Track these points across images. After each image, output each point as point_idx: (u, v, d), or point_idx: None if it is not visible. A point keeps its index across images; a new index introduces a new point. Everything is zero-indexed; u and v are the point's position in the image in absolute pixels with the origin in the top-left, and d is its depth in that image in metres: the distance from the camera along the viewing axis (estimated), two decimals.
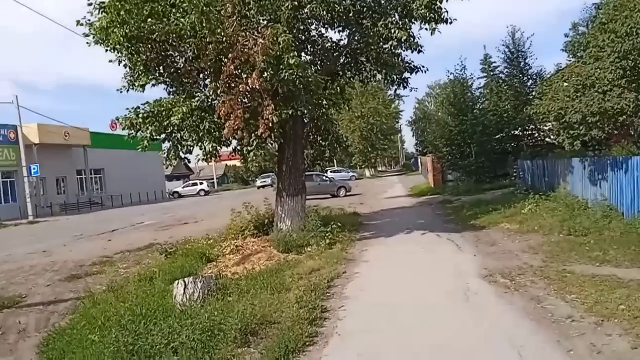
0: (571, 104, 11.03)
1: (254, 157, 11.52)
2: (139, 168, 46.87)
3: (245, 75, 10.41)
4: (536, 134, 25.21)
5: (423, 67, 14.02)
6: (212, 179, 73.13)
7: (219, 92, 10.92)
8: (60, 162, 42.66)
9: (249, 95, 11.07)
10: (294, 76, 10.50)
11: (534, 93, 25.25)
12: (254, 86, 10.37)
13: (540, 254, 8.81)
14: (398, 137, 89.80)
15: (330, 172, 61.88)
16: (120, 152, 42.66)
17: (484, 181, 24.65)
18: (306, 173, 31.98)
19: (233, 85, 10.73)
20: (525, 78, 25.42)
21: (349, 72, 14.38)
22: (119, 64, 11.89)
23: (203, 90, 11.62)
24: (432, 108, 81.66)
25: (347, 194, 31.59)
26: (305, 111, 11.42)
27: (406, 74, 14.17)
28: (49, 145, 39.81)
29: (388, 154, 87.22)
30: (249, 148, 11.64)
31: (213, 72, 11.13)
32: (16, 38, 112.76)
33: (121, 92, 12.28)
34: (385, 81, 14.39)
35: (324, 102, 13.55)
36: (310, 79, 11.11)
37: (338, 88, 14.32)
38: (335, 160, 79.14)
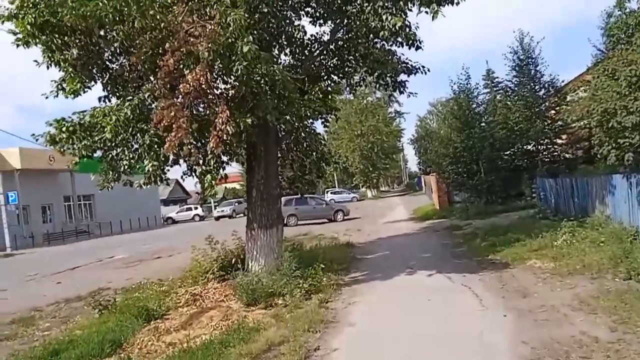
0: (622, 104, 8.41)
1: (210, 183, 8.85)
2: (132, 193, 43.94)
3: (187, 72, 7.86)
4: (552, 149, 22.56)
5: (423, 67, 11.46)
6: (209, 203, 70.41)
7: (156, 95, 8.37)
8: (46, 188, 40.04)
9: (196, 100, 8.53)
10: (250, 71, 7.99)
11: (546, 103, 22.85)
12: (198, 85, 7.82)
13: (601, 315, 6.06)
14: (400, 156, 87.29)
15: (331, 193, 59.44)
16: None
17: (495, 202, 21.93)
18: (301, 196, 29.33)
19: (174, 85, 8.19)
20: (537, 87, 22.88)
21: (335, 75, 11.86)
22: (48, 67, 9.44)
23: (138, 94, 9.06)
24: (434, 126, 79.32)
25: (345, 217, 28.98)
26: (274, 120, 8.81)
27: (402, 76, 11.65)
28: (32, 171, 37.20)
29: (390, 173, 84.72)
30: (204, 168, 9.05)
31: (149, 70, 8.59)
32: None
33: (47, 97, 9.76)
34: (378, 84, 11.83)
35: (303, 110, 10.99)
36: (277, 78, 8.57)
37: (320, 93, 11.79)
38: (337, 182, 76.83)
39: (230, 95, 9.50)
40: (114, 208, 43.87)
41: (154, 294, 10.11)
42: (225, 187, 74.80)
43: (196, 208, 56.56)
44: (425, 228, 19.46)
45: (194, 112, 8.97)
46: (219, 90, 9.03)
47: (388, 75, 11.53)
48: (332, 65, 11.50)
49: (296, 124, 11.67)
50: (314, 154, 12.22)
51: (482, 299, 7.34)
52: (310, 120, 12.65)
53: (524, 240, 11.29)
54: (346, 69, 11.49)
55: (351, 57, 11.02)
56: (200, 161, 9.25)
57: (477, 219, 19.26)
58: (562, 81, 23.15)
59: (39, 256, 26.65)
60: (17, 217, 35.76)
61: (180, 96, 8.31)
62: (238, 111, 8.83)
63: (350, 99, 60.62)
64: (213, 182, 8.87)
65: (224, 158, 10.28)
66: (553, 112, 22.68)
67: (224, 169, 9.30)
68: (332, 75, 11.88)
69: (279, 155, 11.85)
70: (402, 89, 11.94)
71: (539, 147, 22.72)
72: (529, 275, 8.65)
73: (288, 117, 10.79)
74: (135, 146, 9.54)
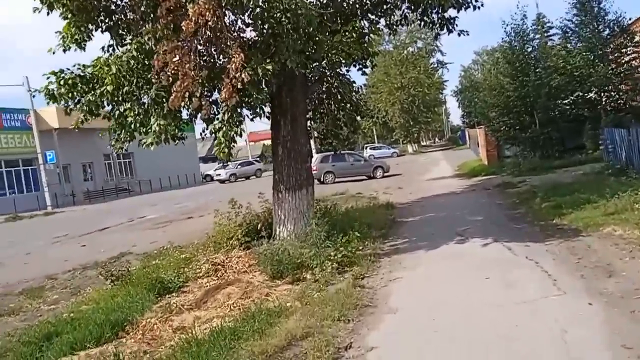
0: None
1: (225, 140, 7.60)
2: (171, 151, 43.61)
3: (190, 5, 6.52)
4: (617, 96, 20.15)
5: (477, 1, 9.65)
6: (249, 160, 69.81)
7: (158, 37, 7.09)
8: (85, 147, 40.12)
9: (205, 42, 7.22)
10: (268, 5, 6.60)
11: (611, 45, 20.26)
12: (204, 22, 6.49)
13: None
14: (442, 109, 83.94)
15: (370, 149, 57.74)
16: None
17: (552, 156, 19.93)
18: (339, 152, 28.21)
19: (179, 25, 6.87)
20: (600, 27, 20.25)
21: (371, 13, 10.22)
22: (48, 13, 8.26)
23: (138, 37, 7.78)
24: (479, 76, 75.27)
25: (385, 174, 27.54)
26: (295, 65, 7.38)
27: (451, 12, 9.89)
28: (71, 130, 37.23)
29: (432, 127, 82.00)
30: (216, 123, 7.84)
31: (150, 8, 7.28)
32: None
33: (54, 53, 8.60)
34: (422, 22, 10.11)
35: (334, 54, 9.48)
36: (300, 13, 7.13)
37: (355, 34, 10.21)
38: (376, 137, 74.73)
39: (245, 36, 8.15)
40: (153, 166, 43.70)
41: (174, 262, 9.17)
42: (264, 144, 73.95)
43: (236, 166, 56.11)
44: (474, 186, 17.81)
45: (204, 58, 7.72)
46: (232, 31, 7.65)
47: (435, 10, 9.83)
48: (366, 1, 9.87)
49: (327, 70, 10.23)
50: (348, 105, 10.77)
51: (556, 279, 5.90)
52: (345, 68, 11.14)
53: (596, 201, 9.61)
54: (385, 4, 9.83)
55: None
56: (214, 115, 8.07)
57: (532, 175, 17.46)
58: (629, 19, 20.45)
59: (76, 215, 26.76)
60: (57, 175, 36.16)
61: (186, 38, 7.04)
62: (256, 55, 7.50)
63: (389, 49, 57.92)
64: (228, 139, 7.65)
65: (245, 112, 9.04)
66: (618, 54, 20.14)
67: (241, 123, 7.99)
68: (369, 14, 10.27)
69: (308, 107, 10.49)
70: (450, 27, 10.20)
71: (602, 94, 20.35)
72: (610, 247, 7.11)
73: (316, 63, 9.38)
74: (143, 100, 8.40)
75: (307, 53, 7.88)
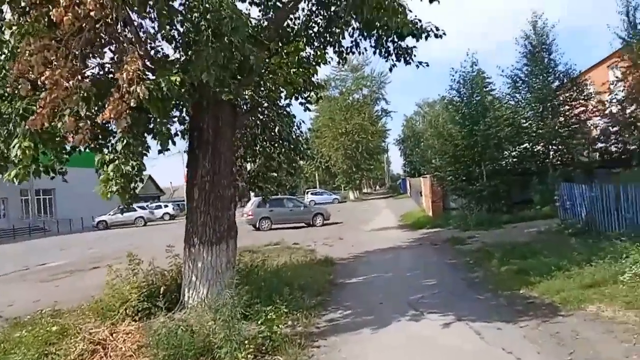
0: None
1: (117, 177, 5.62)
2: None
3: None
4: (565, 150, 19.74)
5: (438, 30, 8.40)
6: (183, 200, 66.38)
7: (23, 31, 5.14)
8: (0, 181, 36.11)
9: (89, 43, 5.36)
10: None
11: (561, 98, 20.05)
12: (85, 12, 4.69)
13: None
14: (385, 157, 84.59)
15: (312, 194, 56.23)
16: (78, 169, 36.37)
17: (499, 210, 18.99)
18: (275, 197, 26.04)
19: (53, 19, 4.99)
20: (550, 78, 20.04)
21: (317, 37, 8.75)
22: None
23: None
24: (421, 127, 76.69)
25: (326, 222, 25.94)
26: (212, 81, 5.60)
27: (408, 41, 8.57)
28: None
29: (374, 174, 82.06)
30: (105, 155, 5.89)
31: None
32: None
33: None
34: (377, 50, 8.70)
35: (271, 79, 7.80)
36: (224, 14, 5.47)
37: (297, 59, 8.64)
38: (318, 182, 73.60)
39: (156, 46, 6.36)
40: (77, 203, 39.85)
41: (43, 336, 6.85)
42: None
43: (166, 206, 52.83)
44: (420, 239, 16.39)
45: (93, 67, 5.83)
46: (133, 33, 5.83)
47: (390, 39, 8.48)
48: (312, 20, 8.40)
49: (262, 100, 8.53)
50: (286, 143, 9.06)
51: None
52: (286, 99, 9.50)
53: (567, 268, 8.25)
54: (334, 27, 8.38)
55: (339, 5, 7.90)
56: (102, 143, 6.12)
57: (480, 230, 16.35)
58: (579, 71, 20.42)
59: None
60: None
61: (64, 35, 5.16)
62: (163, 66, 5.71)
63: (335, 95, 57.73)
64: (119, 175, 5.69)
65: (150, 141, 7.09)
66: (568, 107, 19.92)
67: (142, 155, 6.03)
68: (314, 38, 8.79)
69: (239, 143, 8.69)
70: (408, 58, 8.86)
71: (550, 147, 19.92)
72: (603, 334, 5.60)
73: (249, 88, 7.70)
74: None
75: (233, 70, 6.15)
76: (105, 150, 6.10)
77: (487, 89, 20.41)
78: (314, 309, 7.52)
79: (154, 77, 5.44)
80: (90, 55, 5.58)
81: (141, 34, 5.96)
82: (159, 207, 52.90)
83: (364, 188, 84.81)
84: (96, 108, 5.66)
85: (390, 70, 9.17)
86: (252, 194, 22.48)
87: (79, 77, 5.24)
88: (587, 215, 11.44)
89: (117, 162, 5.75)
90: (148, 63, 5.83)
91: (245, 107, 8.33)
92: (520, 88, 20.64)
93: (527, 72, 20.24)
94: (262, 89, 8.20)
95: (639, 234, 9.19)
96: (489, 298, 7.82)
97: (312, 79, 8.94)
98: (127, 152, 5.74)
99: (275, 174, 8.98)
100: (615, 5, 19.94)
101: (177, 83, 5.28)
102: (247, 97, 8.04)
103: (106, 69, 6.13)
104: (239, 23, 5.59)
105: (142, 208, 44.44)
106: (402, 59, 8.66)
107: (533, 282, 8.07)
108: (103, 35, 5.48)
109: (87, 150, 6.22)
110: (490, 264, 10.31)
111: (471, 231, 16.34)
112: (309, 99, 9.72)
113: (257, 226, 25.26)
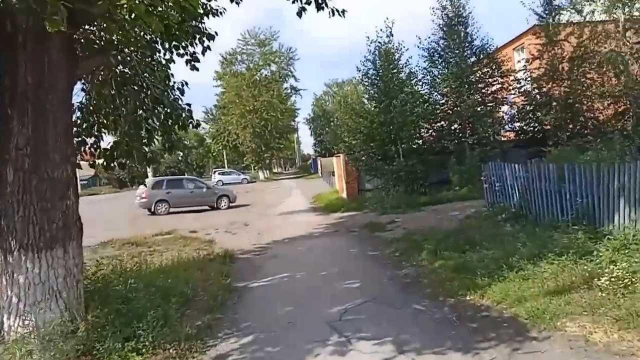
0: None
1: None
2: None
3: None
4: (481, 129, 18.84)
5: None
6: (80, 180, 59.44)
7: None
8: None
9: None
10: None
11: (478, 74, 19.13)
12: None
13: None
14: (295, 137, 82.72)
15: (219, 174, 52.99)
16: None
17: (416, 192, 17.75)
18: (174, 177, 22.90)
19: None
20: (467, 53, 18.99)
21: None
22: None
23: None
24: (330, 107, 75.59)
25: (231, 204, 23.59)
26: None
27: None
28: None
29: (284, 154, 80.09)
30: None
31: None
32: None
33: None
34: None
35: (135, 17, 5.29)
36: None
37: None
38: (226, 162, 70.15)
39: None
40: None
41: None
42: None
43: None
44: (336, 225, 14.60)
45: None
46: None
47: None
48: None
49: (120, 42, 5.99)
50: (160, 107, 6.58)
51: None
52: (160, 48, 7.01)
53: (520, 266, 6.68)
54: None
55: None
56: None
57: (399, 213, 14.94)
58: (496, 46, 19.59)
59: None
60: None
61: None
62: None
63: (242, 71, 54.46)
64: None
65: None
66: (484, 84, 19.06)
67: None
68: None
69: (86, 102, 6.10)
70: (321, 1, 6.75)
71: (467, 126, 18.97)
72: None
73: (96, 23, 5.21)
74: None
75: None
76: None
77: (403, 62, 18.96)
78: (196, 337, 5.29)
79: None
80: None
81: None
82: None
83: (275, 168, 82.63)
84: None
85: (299, 15, 6.98)
86: (149, 171, 19.49)
87: None
88: (521, 198, 10.16)
89: None
90: None
91: (90, 48, 5.71)
92: (437, 62, 19.42)
93: (444, 45, 19.02)
94: (120, 25, 5.61)
95: (590, 222, 7.89)
96: (429, 309, 6.06)
97: (196, 23, 6.62)
98: None
99: (144, 148, 6.49)
100: None
101: None
102: (92, 31, 5.48)
103: None
104: None
105: None
106: (315, 3, 6.52)
107: (481, 284, 6.45)
108: None
109: None
110: (420, 257, 8.68)
111: (390, 214, 14.87)
112: (195, 56, 7.38)
113: (153, 210, 22.33)
